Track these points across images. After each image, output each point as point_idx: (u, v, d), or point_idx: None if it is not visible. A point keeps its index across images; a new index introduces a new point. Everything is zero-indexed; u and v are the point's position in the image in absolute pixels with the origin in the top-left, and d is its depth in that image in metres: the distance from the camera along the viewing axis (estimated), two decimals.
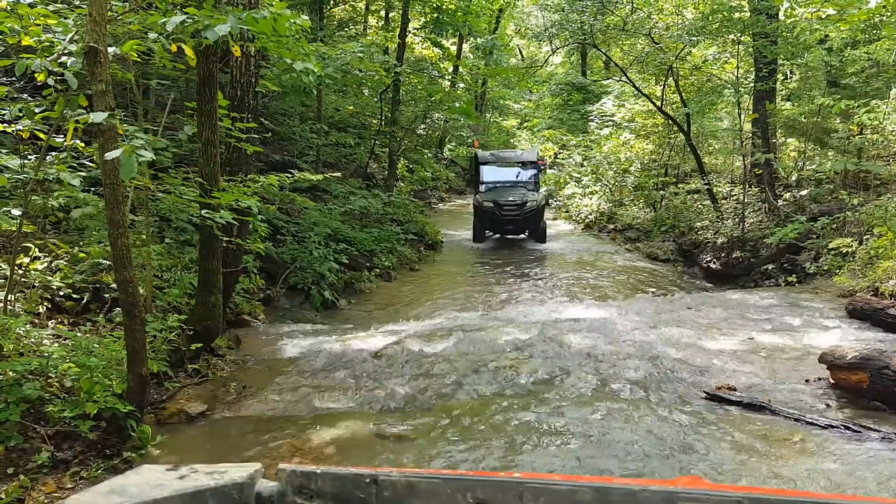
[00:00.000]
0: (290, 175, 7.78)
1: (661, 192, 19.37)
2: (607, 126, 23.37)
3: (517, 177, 18.48)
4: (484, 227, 17.49)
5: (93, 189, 7.19)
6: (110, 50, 4.59)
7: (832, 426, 5.53)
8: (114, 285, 6.10)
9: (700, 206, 18.08)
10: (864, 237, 11.62)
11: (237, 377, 6.83)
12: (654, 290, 12.81)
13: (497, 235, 18.09)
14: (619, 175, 21.41)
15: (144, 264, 6.80)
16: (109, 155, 3.76)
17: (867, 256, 10.95)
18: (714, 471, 4.62)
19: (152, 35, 4.74)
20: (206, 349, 7.02)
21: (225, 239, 6.64)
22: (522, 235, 17.76)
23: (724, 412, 5.79)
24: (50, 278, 6.45)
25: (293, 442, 5.16)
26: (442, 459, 4.86)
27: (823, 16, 13.83)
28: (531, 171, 18.44)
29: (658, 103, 18.79)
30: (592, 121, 24.91)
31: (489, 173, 18.51)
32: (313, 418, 5.81)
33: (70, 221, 7.28)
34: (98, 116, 3.96)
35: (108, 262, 6.57)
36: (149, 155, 3.99)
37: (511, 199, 17.09)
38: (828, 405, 6.11)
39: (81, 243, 7.15)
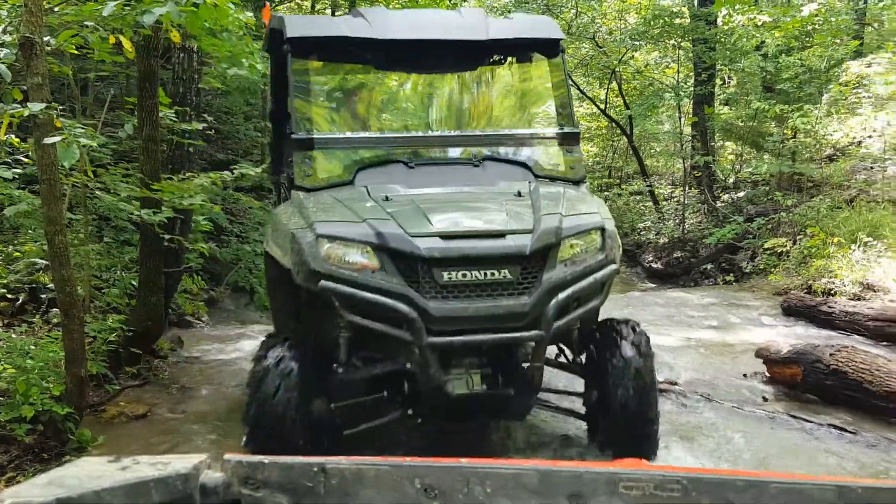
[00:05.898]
0: (230, 171, 7.65)
1: (605, 193, 19.70)
2: None
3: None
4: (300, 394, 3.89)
5: (28, 187, 6.95)
6: (46, 40, 4.46)
7: (770, 417, 5.72)
8: (51, 285, 5.92)
9: (642, 207, 18.45)
10: (798, 237, 12.03)
11: (179, 378, 6.69)
12: None
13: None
14: None
15: (83, 264, 6.61)
16: (48, 140, 3.65)
17: (800, 256, 11.34)
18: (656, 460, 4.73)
19: (90, 23, 4.62)
20: (148, 351, 6.86)
21: (166, 237, 6.51)
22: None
23: (666, 406, 5.91)
24: None
25: (237, 442, 5.08)
26: (388, 453, 4.85)
27: (759, 23, 14.29)
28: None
29: (602, 106, 19.10)
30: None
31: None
32: None
33: (4, 220, 7.04)
34: (35, 107, 3.85)
35: (44, 262, 6.38)
36: (88, 141, 3.90)
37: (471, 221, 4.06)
38: (764, 398, 6.30)
39: (16, 242, 6.92)
